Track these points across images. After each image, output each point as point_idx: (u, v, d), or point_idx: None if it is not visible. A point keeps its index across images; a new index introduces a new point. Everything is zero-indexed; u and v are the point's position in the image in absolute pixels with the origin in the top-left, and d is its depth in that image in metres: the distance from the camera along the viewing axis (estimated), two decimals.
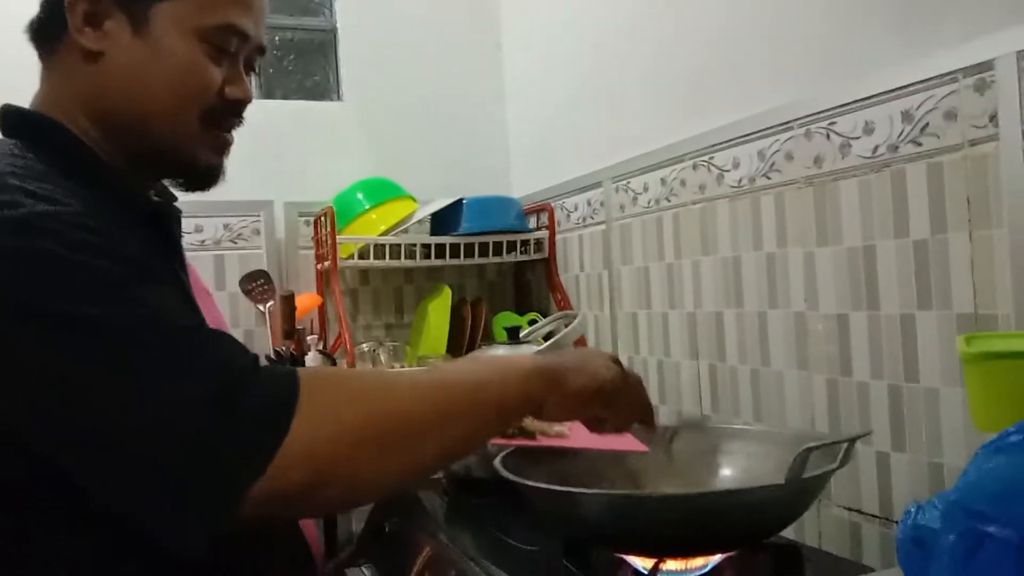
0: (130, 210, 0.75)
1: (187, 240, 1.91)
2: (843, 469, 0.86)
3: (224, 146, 0.82)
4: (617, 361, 0.83)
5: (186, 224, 1.86)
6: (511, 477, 0.92)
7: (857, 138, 1.06)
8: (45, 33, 0.77)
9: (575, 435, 1.08)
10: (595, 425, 0.89)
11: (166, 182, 0.86)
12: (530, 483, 0.91)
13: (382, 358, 1.87)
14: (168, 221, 0.83)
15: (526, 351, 1.48)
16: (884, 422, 1.03)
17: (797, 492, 0.85)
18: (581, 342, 1.71)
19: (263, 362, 0.65)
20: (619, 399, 0.82)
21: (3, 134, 0.76)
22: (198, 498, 0.58)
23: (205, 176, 0.82)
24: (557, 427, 1.09)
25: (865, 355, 1.06)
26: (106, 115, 0.76)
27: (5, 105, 0.77)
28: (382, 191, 1.97)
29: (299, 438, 0.59)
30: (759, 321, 1.25)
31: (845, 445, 0.84)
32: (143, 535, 0.60)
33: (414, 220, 1.92)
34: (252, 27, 0.79)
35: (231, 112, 0.81)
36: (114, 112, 0.76)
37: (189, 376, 0.59)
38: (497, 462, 0.99)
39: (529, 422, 1.07)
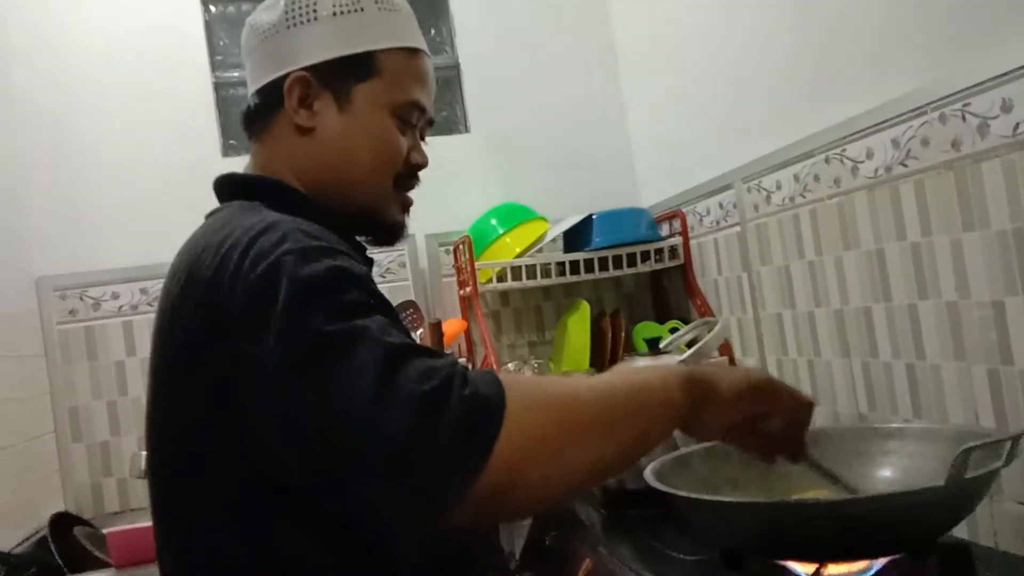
0: (358, 253, 0.85)
1: None
2: (1016, 462, 0.82)
3: (408, 205, 0.94)
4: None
5: None
6: (665, 489, 0.94)
7: (995, 117, 1.01)
8: (260, 117, 0.90)
9: None
10: (756, 425, 0.85)
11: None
12: (686, 494, 0.92)
13: (528, 376, 1.93)
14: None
15: (667, 361, 1.49)
16: None
17: (959, 494, 0.82)
18: (725, 347, 1.70)
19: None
20: (774, 393, 0.82)
21: (221, 199, 0.88)
22: (418, 492, 0.60)
23: (394, 231, 0.93)
24: None
25: None
26: (316, 180, 0.88)
27: (225, 174, 0.89)
28: (514, 215, 2.04)
29: (505, 440, 0.62)
30: (910, 314, 1.21)
31: (1009, 443, 0.81)
32: (363, 540, 0.65)
33: (547, 240, 1.97)
34: (428, 103, 0.92)
35: (413, 175, 0.93)
36: (324, 177, 0.88)
37: (412, 375, 0.62)
38: (648, 472, 1.01)
39: None
